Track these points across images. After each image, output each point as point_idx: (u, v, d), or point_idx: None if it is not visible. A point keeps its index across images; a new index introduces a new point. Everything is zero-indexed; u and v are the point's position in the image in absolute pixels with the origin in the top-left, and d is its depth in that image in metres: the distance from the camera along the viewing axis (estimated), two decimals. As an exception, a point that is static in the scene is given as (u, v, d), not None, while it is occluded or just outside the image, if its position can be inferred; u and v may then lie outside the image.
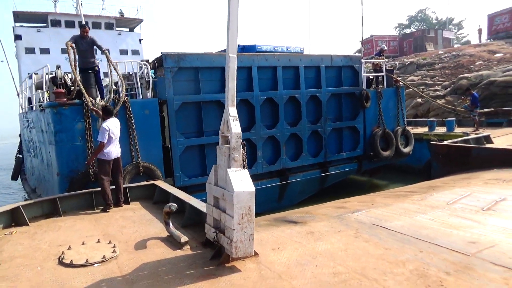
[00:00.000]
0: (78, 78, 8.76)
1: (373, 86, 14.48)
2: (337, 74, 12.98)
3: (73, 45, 8.83)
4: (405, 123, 14.81)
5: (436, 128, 17.59)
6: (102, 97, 9.32)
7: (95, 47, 9.35)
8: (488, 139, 12.58)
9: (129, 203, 7.55)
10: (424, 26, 55.83)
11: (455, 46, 41.13)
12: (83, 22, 13.94)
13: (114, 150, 7.21)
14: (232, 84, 4.34)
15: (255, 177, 11.03)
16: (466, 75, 23.23)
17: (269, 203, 11.40)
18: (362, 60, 13.75)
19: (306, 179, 12.46)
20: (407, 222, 5.57)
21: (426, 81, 25.85)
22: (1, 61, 21.60)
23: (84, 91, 8.62)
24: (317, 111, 12.58)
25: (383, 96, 13.82)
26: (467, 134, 14.51)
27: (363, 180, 16.09)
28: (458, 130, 16.64)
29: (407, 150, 14.38)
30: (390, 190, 10.40)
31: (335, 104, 13.01)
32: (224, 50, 4.30)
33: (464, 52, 29.16)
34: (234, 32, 4.26)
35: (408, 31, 56.46)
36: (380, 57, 15.44)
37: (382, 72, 14.72)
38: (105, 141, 7.00)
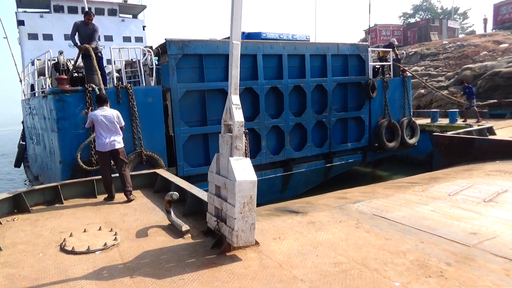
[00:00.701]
0: (97, 67, 8.69)
1: (379, 76, 14.35)
2: (343, 63, 12.84)
3: (87, 46, 8.83)
4: (411, 114, 14.71)
5: (439, 119, 17.53)
6: (105, 83, 9.28)
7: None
8: (491, 130, 12.52)
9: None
10: (429, 16, 55.18)
11: (460, 36, 40.75)
12: (86, 8, 13.84)
13: (107, 142, 6.79)
14: (235, 72, 4.30)
15: (258, 167, 11.10)
16: (470, 65, 23.04)
17: (272, 193, 11.40)
18: (369, 49, 13.59)
19: (310, 170, 12.43)
20: (408, 213, 5.57)
21: (430, 72, 25.66)
22: (4, 37, 21.65)
23: (99, 76, 8.59)
24: (323, 100, 12.47)
25: (389, 86, 13.69)
26: (470, 126, 14.44)
27: (366, 171, 16.08)
28: (461, 121, 16.58)
29: (412, 141, 14.31)
30: (392, 181, 10.37)
31: (340, 93, 12.90)
32: (229, 37, 4.26)
33: (469, 42, 28.87)
34: (238, 18, 4.20)
35: (412, 20, 55.86)
36: (387, 53, 15.12)
37: (388, 61, 14.58)
38: (86, 126, 7.12)
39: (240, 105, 4.34)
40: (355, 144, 13.37)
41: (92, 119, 6.82)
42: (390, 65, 14.55)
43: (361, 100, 13.29)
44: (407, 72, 15.14)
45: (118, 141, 6.96)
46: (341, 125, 13.04)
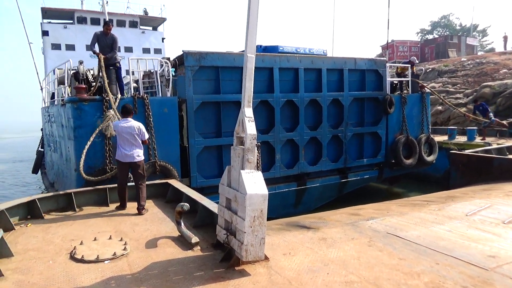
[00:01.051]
0: (105, 77, 8.82)
1: (397, 91, 14.19)
2: (360, 78, 12.74)
3: (101, 55, 9.01)
4: (429, 130, 14.46)
5: (456, 137, 17.19)
6: (122, 94, 9.40)
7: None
8: (511, 149, 12.22)
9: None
10: (447, 32, 54.73)
11: (479, 53, 40.23)
12: (107, 20, 14.16)
13: (125, 153, 6.75)
14: (249, 84, 4.29)
15: (272, 181, 11.02)
16: (489, 83, 22.67)
17: (285, 208, 11.27)
18: (386, 64, 13.46)
19: (324, 185, 12.26)
20: (423, 232, 5.42)
21: (448, 89, 25.32)
22: (30, 43, 22.65)
23: (107, 87, 8.68)
24: (339, 115, 12.37)
25: (407, 102, 13.52)
26: (489, 144, 14.12)
27: (382, 188, 15.82)
28: (479, 139, 16.20)
29: (430, 158, 14.04)
30: (407, 198, 10.18)
31: (357, 108, 12.78)
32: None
33: (488, 59, 28.45)
34: (253, 31, 4.20)
35: (430, 36, 55.46)
36: (405, 69, 14.96)
37: (406, 77, 14.44)
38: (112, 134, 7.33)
39: (253, 118, 4.32)
40: (371, 160, 13.18)
41: (114, 129, 6.89)
42: (408, 81, 14.40)
43: (378, 115, 13.14)
44: (426, 88, 14.95)
45: (137, 154, 6.85)
46: (357, 140, 12.87)
